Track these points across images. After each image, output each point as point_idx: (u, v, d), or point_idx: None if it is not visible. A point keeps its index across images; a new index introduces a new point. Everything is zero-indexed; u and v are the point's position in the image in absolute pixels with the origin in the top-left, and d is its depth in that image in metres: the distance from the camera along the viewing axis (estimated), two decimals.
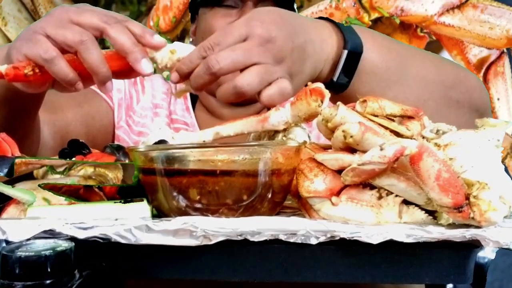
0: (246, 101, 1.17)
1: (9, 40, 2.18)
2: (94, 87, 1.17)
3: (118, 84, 1.20)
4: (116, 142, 1.19)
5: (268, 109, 1.18)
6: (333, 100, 0.66)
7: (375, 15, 2.05)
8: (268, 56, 0.67)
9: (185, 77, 0.69)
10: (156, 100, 1.23)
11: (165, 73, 0.73)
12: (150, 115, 1.22)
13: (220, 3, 1.13)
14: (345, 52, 0.76)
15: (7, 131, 0.75)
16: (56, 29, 0.66)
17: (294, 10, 1.17)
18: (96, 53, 0.66)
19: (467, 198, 0.53)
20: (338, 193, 0.57)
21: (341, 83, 0.78)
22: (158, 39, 0.69)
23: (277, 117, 0.69)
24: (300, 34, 0.72)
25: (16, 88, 0.72)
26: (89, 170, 0.69)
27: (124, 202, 0.59)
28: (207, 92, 1.19)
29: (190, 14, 1.25)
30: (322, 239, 0.53)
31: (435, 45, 2.24)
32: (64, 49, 0.67)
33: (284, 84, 0.67)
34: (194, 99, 1.24)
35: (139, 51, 0.67)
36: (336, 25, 0.79)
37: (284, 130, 0.70)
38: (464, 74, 0.90)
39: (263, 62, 0.67)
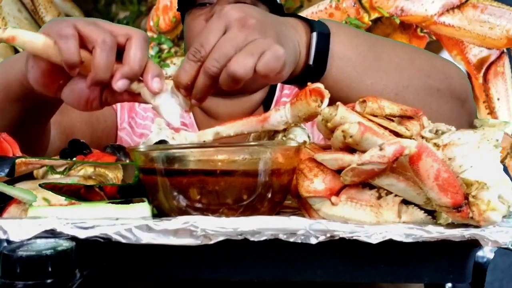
0: (240, 91, 1.18)
1: None
2: None
3: None
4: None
5: (265, 107, 1.19)
6: None
7: (375, 15, 2.05)
8: (253, 33, 0.67)
9: (187, 87, 0.68)
10: None
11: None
12: (151, 116, 1.23)
13: (195, 3, 1.15)
14: (315, 34, 0.77)
15: (18, 133, 0.76)
16: (85, 25, 0.67)
17: (278, 4, 1.17)
18: (109, 57, 0.66)
19: (466, 198, 0.53)
20: (337, 193, 0.57)
21: (317, 67, 0.78)
22: (156, 84, 0.68)
23: (277, 117, 0.69)
24: (269, 16, 0.73)
25: (31, 89, 0.74)
26: (89, 170, 0.69)
27: (125, 202, 0.59)
28: None
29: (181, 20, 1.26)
30: (322, 238, 0.53)
31: (435, 45, 2.24)
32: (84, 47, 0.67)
33: (275, 48, 0.66)
34: None
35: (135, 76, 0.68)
36: (296, 16, 0.80)
37: (284, 130, 0.70)
38: (441, 62, 0.90)
39: (251, 40, 0.66)
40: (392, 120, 0.62)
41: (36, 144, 0.92)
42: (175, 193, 0.57)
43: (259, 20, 0.68)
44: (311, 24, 0.78)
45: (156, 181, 0.58)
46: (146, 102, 0.70)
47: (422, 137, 0.60)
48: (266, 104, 1.21)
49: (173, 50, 2.19)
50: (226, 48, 0.65)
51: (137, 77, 0.68)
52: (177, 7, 1.23)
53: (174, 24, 2.18)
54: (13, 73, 0.78)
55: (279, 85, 1.24)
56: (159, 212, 0.60)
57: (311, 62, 0.77)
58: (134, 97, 0.71)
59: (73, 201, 0.60)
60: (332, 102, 0.64)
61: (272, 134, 0.72)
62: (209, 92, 0.68)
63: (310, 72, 0.78)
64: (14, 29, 0.66)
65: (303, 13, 2.09)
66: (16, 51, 2.21)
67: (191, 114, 1.23)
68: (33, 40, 0.66)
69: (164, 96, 0.69)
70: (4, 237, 0.52)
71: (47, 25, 0.69)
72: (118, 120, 1.21)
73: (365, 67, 0.81)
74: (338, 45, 0.79)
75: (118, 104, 1.21)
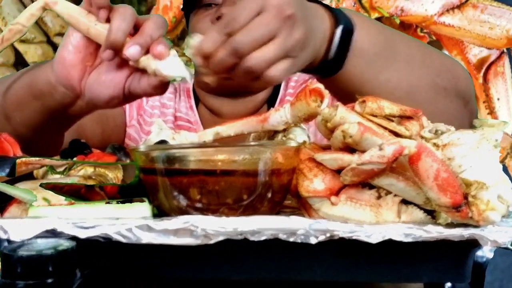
0: (245, 90, 1.18)
1: None
2: None
3: None
4: (127, 141, 1.22)
5: (269, 107, 1.19)
6: (327, 84, 0.67)
7: (375, 15, 2.05)
8: (286, 25, 0.67)
9: (207, 57, 0.68)
10: (163, 99, 1.25)
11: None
12: (158, 113, 1.24)
13: (200, 4, 1.15)
14: (339, 29, 0.76)
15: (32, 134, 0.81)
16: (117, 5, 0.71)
17: None
18: (125, 22, 0.69)
19: (466, 197, 0.54)
20: (337, 193, 0.57)
21: (336, 61, 0.77)
22: (160, 48, 0.70)
23: (277, 117, 0.69)
24: (305, 6, 0.72)
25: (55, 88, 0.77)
26: (89, 170, 0.69)
27: (125, 202, 0.60)
28: (206, 91, 1.20)
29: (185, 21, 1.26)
30: (322, 238, 0.53)
31: (435, 45, 2.23)
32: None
33: (299, 56, 0.68)
34: (198, 98, 1.25)
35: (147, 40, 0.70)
36: (324, 5, 0.79)
37: (284, 130, 0.70)
38: (449, 61, 0.90)
39: (281, 35, 0.66)
40: (392, 120, 0.62)
41: (48, 145, 0.91)
42: (175, 193, 0.57)
43: (295, 13, 0.67)
44: (336, 17, 0.77)
45: (157, 181, 0.58)
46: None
47: (422, 137, 0.60)
48: (270, 103, 1.22)
49: None
50: (258, 32, 0.65)
51: (148, 45, 0.69)
52: (181, 7, 1.23)
53: (174, 24, 2.18)
54: (42, 70, 0.80)
55: (283, 84, 1.25)
56: (160, 212, 0.60)
57: (330, 57, 0.77)
58: (153, 86, 0.72)
59: (73, 201, 0.61)
60: (344, 97, 0.63)
61: (272, 134, 0.72)
62: (224, 68, 0.68)
63: (327, 65, 0.77)
64: None
65: None
66: (16, 51, 2.21)
67: (195, 111, 1.23)
68: (69, 6, 0.73)
69: (166, 60, 0.70)
70: (4, 236, 0.52)
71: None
72: (127, 117, 1.23)
73: (381, 64, 0.80)
74: (359, 41, 0.78)
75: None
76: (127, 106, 1.23)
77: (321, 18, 0.76)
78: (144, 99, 1.25)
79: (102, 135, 1.14)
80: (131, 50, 0.69)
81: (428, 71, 0.84)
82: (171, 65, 0.70)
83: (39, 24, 2.23)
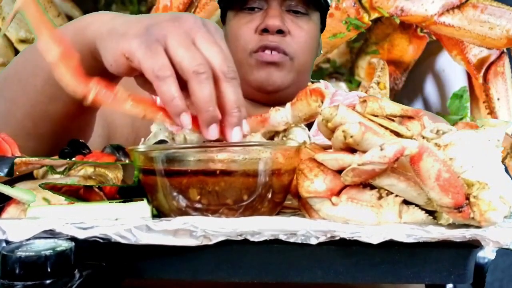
0: (277, 101, 1.15)
1: (9, 40, 2.16)
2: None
3: None
4: None
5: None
6: None
7: (375, 15, 2.04)
8: None
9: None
10: None
11: None
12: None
13: (243, 6, 1.12)
14: None
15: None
16: (178, 47, 0.59)
17: (327, 4, 1.17)
18: (208, 89, 0.58)
19: (467, 198, 0.53)
20: (338, 193, 0.57)
21: None
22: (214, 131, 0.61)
23: (277, 118, 0.69)
24: None
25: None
26: (89, 170, 0.69)
27: (124, 202, 0.59)
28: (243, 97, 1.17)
29: (220, 13, 1.21)
30: (322, 239, 0.53)
31: (435, 45, 2.23)
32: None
33: None
34: None
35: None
36: None
37: (284, 130, 0.70)
38: None
39: None
40: (393, 120, 0.62)
41: (83, 133, 0.87)
42: (175, 194, 0.57)
43: None
44: None
45: (156, 181, 0.58)
46: None
47: (423, 137, 0.60)
48: None
49: None
50: None
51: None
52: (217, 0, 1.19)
53: None
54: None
55: (327, 100, 1.22)
56: (159, 213, 0.60)
57: None
58: None
59: (72, 201, 0.60)
60: None
61: (272, 134, 0.71)
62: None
63: None
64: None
65: None
66: (16, 51, 2.21)
67: None
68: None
69: None
70: (3, 237, 0.52)
71: (134, 42, 0.59)
72: None
73: None
74: None
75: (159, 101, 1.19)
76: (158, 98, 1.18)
77: None
78: None
79: (132, 127, 1.10)
80: (212, 133, 0.60)
81: None
82: None
83: None
